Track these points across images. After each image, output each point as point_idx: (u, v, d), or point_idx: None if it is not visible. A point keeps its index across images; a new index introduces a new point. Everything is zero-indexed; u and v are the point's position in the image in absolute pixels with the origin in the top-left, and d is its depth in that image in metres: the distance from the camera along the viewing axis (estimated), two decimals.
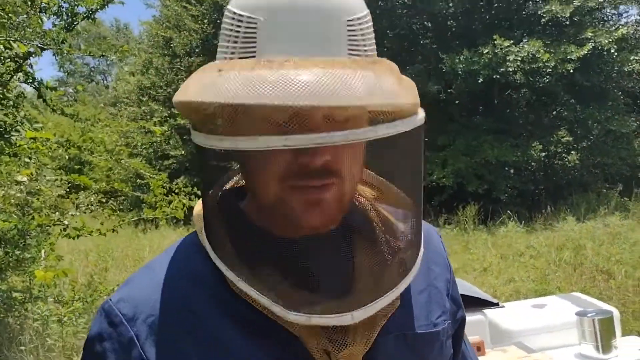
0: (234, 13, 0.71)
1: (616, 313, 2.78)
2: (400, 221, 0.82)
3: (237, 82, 0.63)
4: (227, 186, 0.87)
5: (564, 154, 13.98)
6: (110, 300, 0.78)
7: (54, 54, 3.75)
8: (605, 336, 2.60)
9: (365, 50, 0.72)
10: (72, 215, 3.96)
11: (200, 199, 0.84)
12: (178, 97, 0.70)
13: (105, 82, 37.15)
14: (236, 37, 0.70)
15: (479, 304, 2.90)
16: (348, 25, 0.70)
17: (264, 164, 0.70)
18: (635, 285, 5.96)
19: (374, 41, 0.75)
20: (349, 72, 0.63)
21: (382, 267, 0.76)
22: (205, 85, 0.66)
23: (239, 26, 0.70)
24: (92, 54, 3.95)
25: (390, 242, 0.80)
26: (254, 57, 0.68)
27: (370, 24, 0.74)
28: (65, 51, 3.52)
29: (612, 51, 12.18)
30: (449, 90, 13.26)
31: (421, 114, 0.72)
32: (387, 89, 0.65)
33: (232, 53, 0.71)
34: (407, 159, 0.77)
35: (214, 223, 0.79)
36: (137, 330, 0.74)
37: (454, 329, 0.95)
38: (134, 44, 23.09)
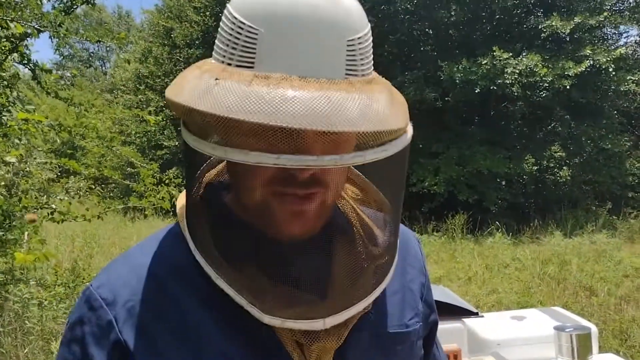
0: (235, 18, 0.70)
1: (594, 329, 2.79)
2: (377, 231, 0.84)
3: (233, 95, 0.63)
4: (212, 175, 0.87)
5: (556, 169, 14.07)
6: (91, 285, 0.80)
7: (50, 37, 3.73)
8: (581, 352, 2.61)
9: (363, 70, 0.72)
10: (60, 199, 3.94)
11: (184, 190, 0.85)
12: (171, 95, 0.71)
13: (103, 68, 37.01)
14: (235, 44, 0.69)
15: (458, 312, 2.91)
16: (348, 46, 0.70)
17: (251, 174, 0.71)
18: (617, 303, 6.00)
19: (371, 57, 0.75)
20: (343, 96, 0.64)
21: (357, 276, 0.78)
22: (201, 92, 0.66)
23: (239, 33, 0.69)
24: (88, 38, 3.94)
25: (366, 251, 0.81)
26: (252, 67, 0.68)
27: (370, 40, 0.74)
28: (62, 34, 3.50)
29: (610, 70, 12.26)
30: (446, 99, 13.29)
31: (409, 132, 0.74)
32: (380, 112, 0.66)
33: (230, 59, 0.70)
34: (391, 176, 0.80)
35: (196, 216, 0.80)
36: (116, 314, 0.76)
37: (426, 332, 0.97)
38: (135, 32, 23.01)
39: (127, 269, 0.80)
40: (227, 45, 0.70)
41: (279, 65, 0.66)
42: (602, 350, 3.67)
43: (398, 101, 0.73)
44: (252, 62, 0.68)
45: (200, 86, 0.67)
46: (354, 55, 0.70)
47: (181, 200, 0.87)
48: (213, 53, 0.75)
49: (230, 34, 0.70)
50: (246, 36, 0.68)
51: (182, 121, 0.77)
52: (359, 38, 0.71)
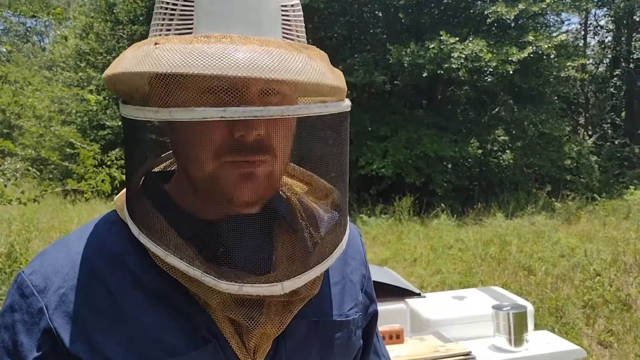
0: None
1: (530, 308, 2.90)
2: (327, 204, 0.85)
3: (175, 53, 0.64)
4: (154, 169, 0.88)
5: (499, 153, 14.48)
6: (23, 272, 0.79)
7: None
8: (517, 330, 2.71)
9: (298, 37, 0.76)
10: None
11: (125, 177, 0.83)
12: (110, 70, 0.70)
13: (42, 43, 35.38)
14: (172, 13, 0.71)
15: (401, 293, 2.96)
16: (282, 10, 0.73)
17: (198, 139, 0.70)
18: (554, 282, 6.26)
19: (304, 30, 0.78)
20: (284, 51, 0.66)
21: (310, 244, 0.79)
22: (141, 57, 0.66)
23: (175, 3, 0.71)
24: (22, 13, 3.73)
25: (319, 222, 0.83)
26: (190, 32, 0.69)
27: (301, 13, 0.78)
28: None
29: (552, 56, 12.65)
30: (395, 82, 13.42)
31: (347, 102, 0.76)
32: (320, 70, 0.69)
33: (168, 30, 0.71)
34: (335, 143, 0.80)
35: (139, 203, 0.78)
36: (47, 301, 0.75)
37: (366, 322, 0.97)
38: (75, 7, 22.06)
39: (61, 255, 0.79)
40: (164, 17, 0.72)
41: (218, 28, 0.68)
42: (538, 327, 3.83)
43: (336, 69, 0.75)
44: (191, 28, 0.69)
45: (140, 54, 0.67)
46: (288, 20, 0.74)
47: (121, 195, 0.85)
48: (149, 32, 0.76)
49: (167, 6, 0.72)
50: (183, 4, 0.70)
51: (120, 101, 0.76)
52: (292, 5, 0.74)
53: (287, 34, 0.73)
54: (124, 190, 0.83)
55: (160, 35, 0.72)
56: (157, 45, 0.66)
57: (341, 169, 0.81)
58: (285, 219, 0.82)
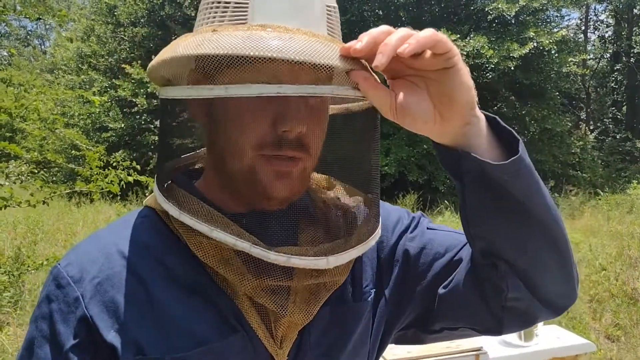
0: None
1: None
2: (363, 197, 0.87)
3: (235, 38, 0.68)
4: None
5: None
6: (59, 264, 0.81)
7: None
8: None
9: (339, 35, 0.80)
10: (0, 185, 3.77)
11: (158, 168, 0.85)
12: (164, 55, 0.73)
13: (42, 47, 35.40)
14: (226, 5, 0.74)
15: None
16: (327, 10, 0.77)
17: (242, 128, 0.74)
18: None
19: (340, 27, 0.82)
20: (334, 45, 0.72)
21: (352, 225, 0.82)
22: (199, 42, 0.70)
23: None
24: (28, 16, 3.75)
25: (358, 210, 0.85)
26: (245, 23, 0.73)
27: (339, 15, 0.82)
28: None
29: (553, 52, 12.65)
30: None
31: None
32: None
33: (222, 20, 0.74)
34: (371, 135, 0.83)
35: (174, 188, 0.81)
36: (83, 291, 0.77)
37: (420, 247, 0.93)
38: (75, 9, 22.08)
39: (96, 247, 0.82)
40: (218, 8, 0.75)
41: (270, 19, 0.72)
42: (545, 322, 3.84)
43: None
44: (245, 19, 0.73)
45: (197, 39, 0.71)
46: (331, 19, 0.78)
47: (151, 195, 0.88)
48: (196, 25, 0.80)
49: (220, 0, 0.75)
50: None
51: (164, 84, 0.80)
52: (334, 7, 0.79)
53: (330, 31, 0.77)
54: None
55: (214, 24, 0.75)
56: (214, 32, 0.71)
57: (375, 162, 0.84)
58: (321, 208, 0.86)
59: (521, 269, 0.78)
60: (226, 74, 0.70)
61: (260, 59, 0.66)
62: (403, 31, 0.69)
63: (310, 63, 0.67)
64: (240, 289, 0.76)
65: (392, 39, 0.68)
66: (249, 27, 0.71)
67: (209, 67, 0.71)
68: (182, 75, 0.78)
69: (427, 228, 0.96)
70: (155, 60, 0.74)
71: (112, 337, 0.75)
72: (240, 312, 0.78)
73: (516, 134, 0.76)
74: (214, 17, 0.75)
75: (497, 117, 0.78)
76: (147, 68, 0.78)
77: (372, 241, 0.80)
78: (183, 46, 0.71)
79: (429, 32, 0.68)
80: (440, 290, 0.89)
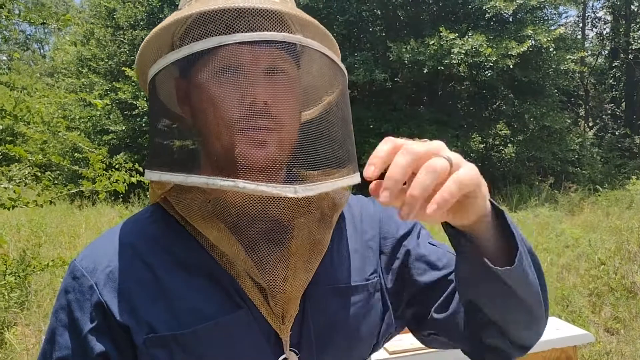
0: None
1: None
2: (337, 149, 0.87)
3: (191, 7, 0.81)
4: None
5: (501, 147, 14.53)
6: (75, 260, 0.88)
7: None
8: None
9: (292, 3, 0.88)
10: (4, 187, 3.82)
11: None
12: (143, 45, 0.86)
13: (42, 51, 35.46)
14: None
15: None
16: None
17: (215, 107, 0.79)
18: (559, 272, 6.32)
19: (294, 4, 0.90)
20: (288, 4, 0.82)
21: (322, 161, 0.83)
22: (167, 19, 0.83)
23: None
24: (31, 20, 3.79)
25: (331, 150, 0.86)
26: None
27: None
28: (3, 16, 3.37)
29: (551, 49, 12.70)
30: (395, 79, 13.47)
31: (345, 69, 0.88)
32: (320, 25, 0.86)
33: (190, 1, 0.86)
34: (335, 91, 0.88)
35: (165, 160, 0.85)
36: (96, 279, 0.84)
37: (404, 263, 0.98)
38: (74, 13, 22.11)
39: (107, 242, 0.89)
40: None
41: None
42: None
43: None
44: None
45: (165, 20, 0.84)
46: None
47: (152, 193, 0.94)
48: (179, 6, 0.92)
49: None
50: None
51: (151, 65, 0.87)
52: None
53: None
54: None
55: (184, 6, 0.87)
56: (179, 10, 0.83)
57: (344, 118, 0.87)
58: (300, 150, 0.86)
59: (498, 324, 0.84)
60: (190, 35, 0.80)
61: (211, 12, 0.77)
62: (416, 154, 0.66)
63: (257, 9, 0.77)
64: (237, 263, 0.82)
65: (416, 188, 0.62)
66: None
67: (181, 34, 0.83)
68: (156, 56, 0.87)
69: (429, 242, 1.00)
70: (137, 55, 0.86)
71: (125, 319, 0.81)
72: (243, 290, 0.83)
73: (517, 231, 0.76)
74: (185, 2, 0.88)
75: (504, 211, 0.76)
76: (136, 59, 0.88)
77: (344, 182, 0.82)
78: (154, 29, 0.84)
79: (453, 185, 0.63)
80: (433, 311, 0.94)
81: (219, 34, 0.77)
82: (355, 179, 0.86)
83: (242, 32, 0.77)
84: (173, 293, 0.82)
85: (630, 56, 18.17)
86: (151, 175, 0.84)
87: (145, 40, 0.85)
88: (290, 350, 0.85)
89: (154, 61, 0.85)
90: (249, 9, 0.77)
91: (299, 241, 0.86)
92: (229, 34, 0.77)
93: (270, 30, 0.79)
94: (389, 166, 0.65)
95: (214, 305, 0.83)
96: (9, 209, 3.09)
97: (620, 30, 18.72)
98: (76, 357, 0.82)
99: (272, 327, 0.84)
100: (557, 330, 2.96)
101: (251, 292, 0.84)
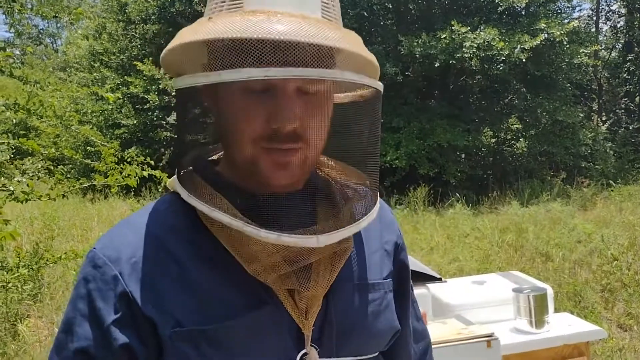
0: None
1: (550, 290, 2.94)
2: (360, 178, 0.92)
3: (224, 23, 0.73)
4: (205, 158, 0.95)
5: (512, 141, 14.43)
6: (94, 248, 0.86)
7: (3, 13, 3.60)
8: (538, 312, 2.74)
9: (336, 19, 0.82)
10: (17, 181, 3.85)
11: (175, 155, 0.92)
12: (169, 46, 0.78)
13: (54, 45, 35.65)
14: None
15: (423, 278, 3.01)
16: None
17: (240, 122, 0.78)
18: (571, 268, 6.27)
19: (340, 14, 0.84)
20: (324, 25, 0.74)
21: (344, 210, 0.87)
22: (196, 30, 0.76)
23: None
24: (44, 14, 3.82)
25: (352, 192, 0.90)
26: (240, 8, 0.77)
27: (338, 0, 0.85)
28: (16, 10, 3.39)
29: (564, 43, 12.56)
30: (406, 73, 13.38)
31: (381, 84, 0.83)
32: (358, 43, 0.78)
33: (221, 8, 0.79)
34: (369, 120, 0.87)
35: (188, 173, 0.86)
36: (121, 269, 0.82)
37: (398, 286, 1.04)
38: (86, 7, 22.21)
39: (128, 232, 0.87)
40: None
41: (264, 6, 0.75)
42: (557, 311, 3.86)
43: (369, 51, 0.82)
44: (241, 5, 0.76)
45: (195, 27, 0.76)
46: (326, 3, 0.80)
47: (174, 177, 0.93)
48: (204, 14, 0.84)
49: None
50: None
51: (176, 74, 0.85)
52: None
53: (325, 14, 0.79)
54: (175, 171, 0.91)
55: (214, 13, 0.80)
56: (210, 19, 0.76)
57: (374, 145, 0.88)
58: (321, 190, 0.90)
59: None
60: (220, 60, 0.74)
61: (245, 40, 0.70)
62: None
63: (294, 42, 0.70)
64: (248, 268, 0.81)
65: None
66: (242, 13, 0.75)
67: (206, 54, 0.77)
68: (185, 63, 0.84)
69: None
70: (165, 50, 0.81)
71: (150, 311, 0.80)
72: (268, 285, 0.83)
73: None
74: (215, 7, 0.80)
75: None
76: (161, 57, 0.84)
77: (365, 222, 0.85)
78: (180, 36, 0.77)
79: None
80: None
81: (252, 65, 0.72)
82: (376, 209, 0.89)
83: (276, 65, 0.73)
84: (199, 286, 0.82)
85: None
86: (181, 192, 0.84)
87: (179, 44, 0.77)
88: (310, 345, 0.85)
89: (181, 65, 0.84)
90: (288, 41, 0.71)
91: (326, 249, 0.86)
92: (262, 65, 0.72)
93: (309, 62, 0.74)
94: None
95: (240, 300, 0.82)
96: (22, 202, 3.11)
97: (635, 23, 18.47)
98: (97, 348, 0.80)
99: (294, 322, 0.84)
100: (569, 326, 2.94)
101: (279, 290, 0.84)
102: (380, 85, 0.83)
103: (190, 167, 0.88)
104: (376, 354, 0.96)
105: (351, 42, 0.76)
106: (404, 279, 1.07)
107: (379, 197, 0.92)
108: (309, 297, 0.84)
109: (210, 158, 0.96)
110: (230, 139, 0.82)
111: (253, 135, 0.78)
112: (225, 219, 0.77)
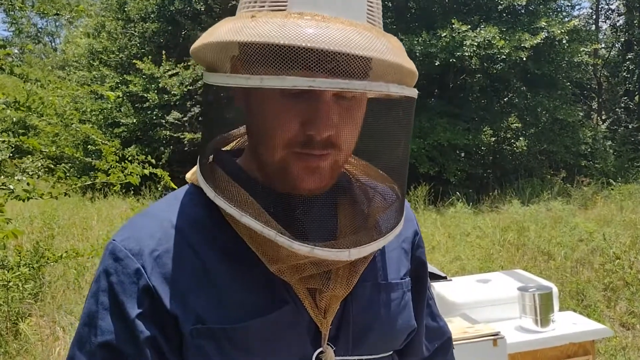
0: None
1: (555, 289, 2.93)
2: (390, 186, 0.91)
3: (271, 25, 0.68)
4: (224, 148, 0.94)
5: (512, 140, 14.42)
6: (114, 240, 0.83)
7: (4, 10, 3.58)
8: (543, 310, 2.73)
9: (379, 22, 0.80)
10: (17, 180, 3.83)
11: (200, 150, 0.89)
12: (201, 41, 0.75)
13: (53, 44, 35.60)
14: None
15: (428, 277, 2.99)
16: None
17: (274, 125, 0.75)
18: (573, 266, 6.26)
19: (381, 12, 0.82)
20: (370, 34, 0.71)
21: (373, 220, 0.85)
22: (238, 28, 0.71)
23: None
24: (45, 11, 3.79)
25: (382, 201, 0.89)
26: (284, 10, 0.73)
27: (381, 1, 0.82)
28: (17, 7, 3.37)
29: (564, 42, 12.56)
30: None
31: (416, 91, 0.81)
32: (401, 53, 0.76)
33: (262, 6, 0.75)
34: (404, 128, 0.85)
35: (214, 170, 0.83)
36: (144, 262, 0.80)
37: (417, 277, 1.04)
38: (85, 6, 22.18)
39: (150, 224, 0.84)
40: None
41: (309, 7, 0.71)
42: (560, 310, 3.85)
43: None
44: (285, 6, 0.73)
45: (237, 24, 0.72)
46: (371, 6, 0.78)
47: (195, 169, 0.90)
48: (238, 9, 0.80)
49: None
50: None
51: (206, 68, 0.82)
52: None
53: (370, 18, 0.77)
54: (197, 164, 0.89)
55: (254, 9, 0.76)
56: (253, 18, 0.71)
57: (405, 153, 0.87)
58: (351, 197, 0.89)
59: None
60: (263, 64, 0.70)
61: (293, 47, 0.67)
62: None
63: (343, 53, 0.67)
64: (271, 267, 0.79)
65: None
66: (287, 14, 0.71)
67: (247, 56, 0.72)
68: (223, 60, 0.81)
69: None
70: (197, 43, 0.77)
71: (173, 307, 0.78)
72: (289, 284, 0.81)
73: None
74: (255, 3, 0.76)
75: None
76: (190, 50, 0.80)
77: (392, 235, 0.84)
78: (221, 32, 0.73)
79: None
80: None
81: (296, 73, 0.69)
82: (403, 219, 0.88)
83: (321, 74, 0.70)
84: (221, 283, 0.80)
85: None
86: (207, 190, 0.81)
87: (223, 41, 0.73)
88: (327, 344, 0.84)
89: (216, 61, 0.81)
90: (336, 52, 0.68)
91: None
92: (307, 73, 0.69)
93: (355, 73, 0.72)
94: None
95: (262, 299, 0.81)
96: (24, 200, 3.09)
97: (635, 22, 18.49)
98: (122, 342, 0.78)
99: (312, 321, 0.83)
100: (574, 324, 2.93)
101: (299, 289, 0.82)
102: (416, 93, 0.81)
103: (216, 163, 0.86)
104: (391, 352, 0.95)
105: (396, 51, 0.74)
106: (421, 277, 1.06)
107: (405, 197, 0.90)
108: (329, 296, 0.83)
109: (225, 149, 0.95)
110: (260, 140, 0.80)
111: (286, 139, 0.76)
112: (257, 226, 0.75)
